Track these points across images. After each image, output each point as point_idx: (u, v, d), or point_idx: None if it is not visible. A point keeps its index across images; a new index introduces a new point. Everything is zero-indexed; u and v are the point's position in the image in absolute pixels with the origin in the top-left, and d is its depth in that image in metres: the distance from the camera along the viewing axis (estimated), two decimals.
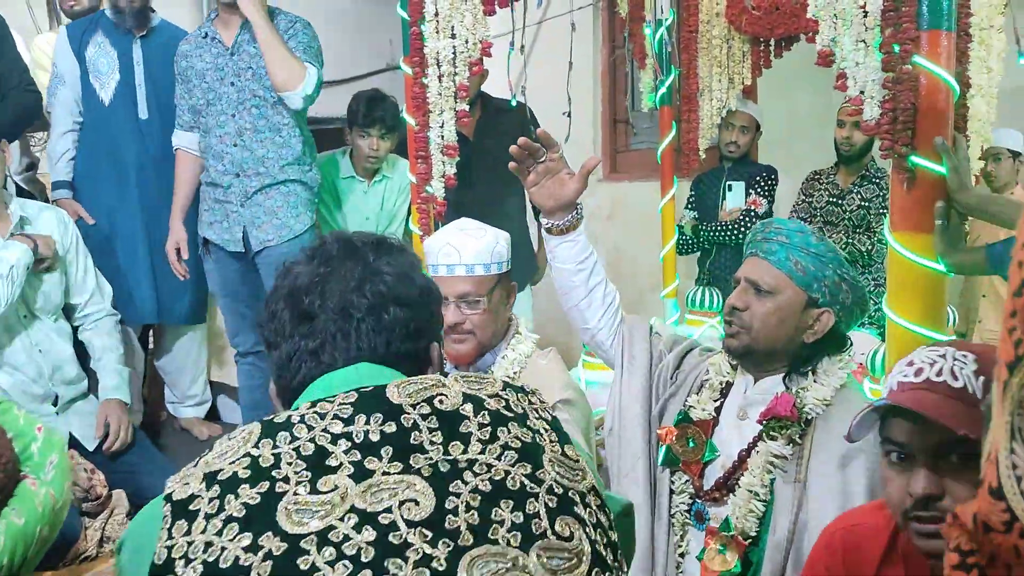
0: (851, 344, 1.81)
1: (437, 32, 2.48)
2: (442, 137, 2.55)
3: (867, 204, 3.71)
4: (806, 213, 3.85)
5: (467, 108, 2.54)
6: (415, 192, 2.69)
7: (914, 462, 1.23)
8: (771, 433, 1.72)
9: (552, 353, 2.12)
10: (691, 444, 1.81)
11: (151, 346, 3.92)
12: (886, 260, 3.70)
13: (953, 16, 1.86)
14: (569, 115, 4.92)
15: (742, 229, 3.90)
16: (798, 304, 1.75)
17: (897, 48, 1.85)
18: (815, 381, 1.75)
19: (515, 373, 2.02)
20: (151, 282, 3.55)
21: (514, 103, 2.70)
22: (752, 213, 3.90)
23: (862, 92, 1.92)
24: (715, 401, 1.86)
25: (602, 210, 5.61)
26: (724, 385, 1.87)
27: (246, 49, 3.24)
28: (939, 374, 1.22)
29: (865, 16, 1.88)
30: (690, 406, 1.86)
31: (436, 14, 2.47)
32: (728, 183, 3.98)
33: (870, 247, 3.64)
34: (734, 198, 3.95)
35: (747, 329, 1.76)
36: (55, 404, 3.01)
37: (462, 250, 1.98)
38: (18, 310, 2.93)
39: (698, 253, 4.16)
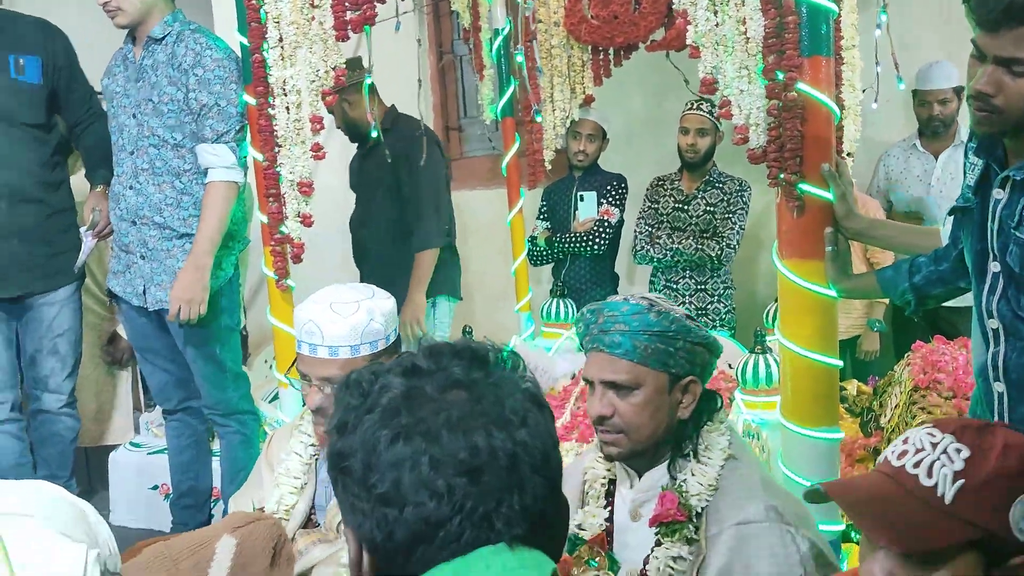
0: (720, 402, 1.71)
1: (283, 59, 2.24)
2: (293, 173, 2.32)
3: (712, 209, 3.76)
4: (653, 219, 3.87)
5: (321, 143, 2.31)
6: (267, 233, 2.45)
7: None
8: (665, 538, 1.60)
9: None
10: (593, 564, 1.66)
11: None
12: (732, 263, 3.83)
13: (831, 41, 1.85)
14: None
15: (596, 239, 3.87)
16: (663, 387, 1.62)
17: (781, 75, 1.82)
18: (698, 462, 1.64)
19: None
20: None
21: (374, 134, 2.49)
22: (605, 223, 3.88)
23: (747, 120, 1.88)
24: (604, 508, 1.72)
25: None
26: (607, 486, 1.74)
27: (149, 76, 2.77)
28: None
29: (747, 43, 1.83)
30: (579, 525, 1.71)
31: (280, 40, 2.24)
32: (580, 193, 3.94)
33: (719, 251, 3.69)
34: (586, 208, 3.91)
35: (624, 433, 1.63)
36: None
37: (325, 330, 1.77)
38: None
39: (552, 264, 4.10)
